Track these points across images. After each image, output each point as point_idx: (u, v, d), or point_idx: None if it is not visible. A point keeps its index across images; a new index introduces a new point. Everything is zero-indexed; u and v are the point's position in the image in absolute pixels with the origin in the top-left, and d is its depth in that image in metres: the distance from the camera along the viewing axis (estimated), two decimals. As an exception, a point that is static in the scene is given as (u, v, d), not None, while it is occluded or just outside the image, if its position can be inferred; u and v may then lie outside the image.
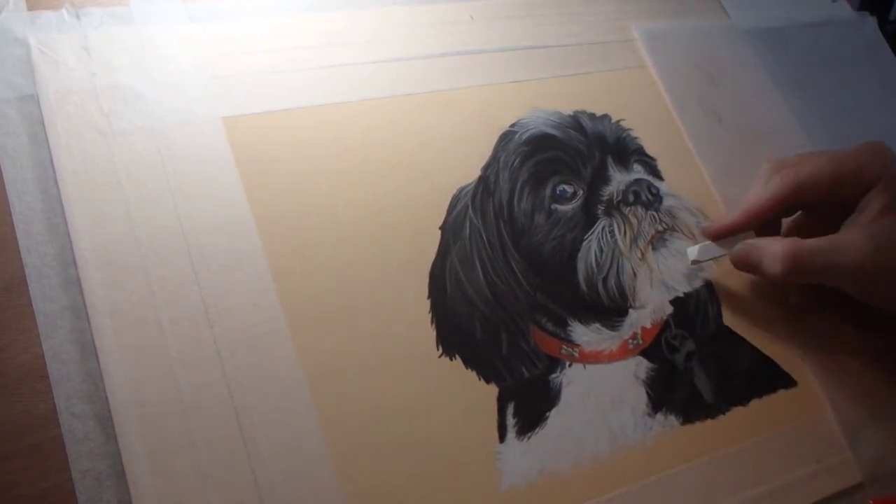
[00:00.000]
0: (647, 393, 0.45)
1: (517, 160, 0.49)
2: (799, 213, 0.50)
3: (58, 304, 0.37)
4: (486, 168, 0.48)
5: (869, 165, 0.46)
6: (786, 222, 0.51)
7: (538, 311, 0.45)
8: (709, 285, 0.49)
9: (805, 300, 0.50)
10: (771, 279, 0.46)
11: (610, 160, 0.51)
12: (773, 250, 0.45)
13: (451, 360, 0.42)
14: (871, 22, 0.67)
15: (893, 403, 0.48)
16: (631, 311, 0.47)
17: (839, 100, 0.61)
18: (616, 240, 0.48)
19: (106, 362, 0.37)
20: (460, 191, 0.47)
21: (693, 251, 0.48)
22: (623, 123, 0.53)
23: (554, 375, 0.44)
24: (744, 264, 0.47)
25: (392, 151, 0.47)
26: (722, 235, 0.48)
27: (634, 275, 0.48)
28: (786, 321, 0.50)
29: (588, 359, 0.45)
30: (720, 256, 0.48)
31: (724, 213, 0.51)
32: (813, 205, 0.48)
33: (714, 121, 0.56)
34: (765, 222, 0.48)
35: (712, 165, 0.54)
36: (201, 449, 0.36)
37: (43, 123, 0.41)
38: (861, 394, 0.48)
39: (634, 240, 0.48)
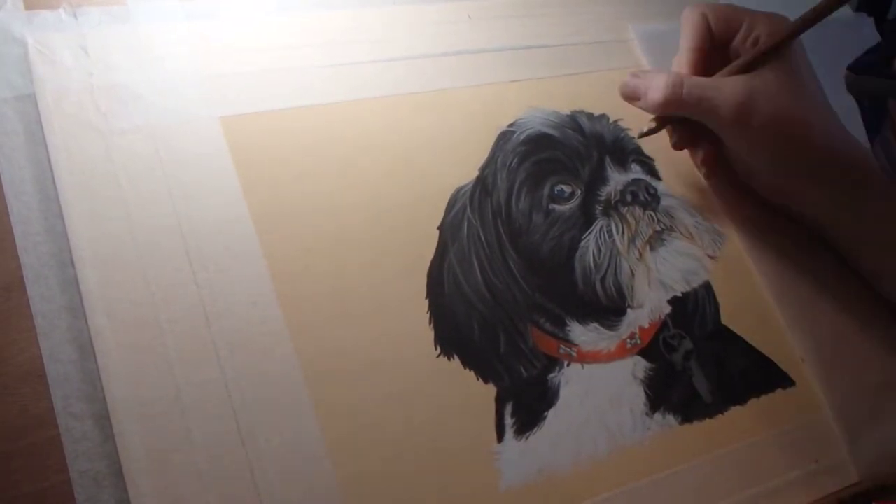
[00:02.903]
0: (646, 393, 0.45)
1: (515, 160, 0.49)
2: None
3: (56, 304, 0.37)
4: (483, 168, 0.48)
5: (764, 20, 0.49)
6: None
7: (536, 310, 0.45)
8: (707, 285, 0.49)
9: (683, 138, 0.52)
10: (652, 108, 0.49)
11: (608, 160, 0.51)
12: (657, 79, 0.48)
13: (449, 359, 0.42)
14: (869, 23, 0.67)
15: (893, 404, 0.48)
16: (629, 310, 0.47)
17: (838, 100, 0.61)
18: (614, 240, 0.48)
19: (104, 362, 0.36)
20: (458, 191, 0.47)
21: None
22: (621, 123, 0.53)
23: (552, 375, 0.44)
24: (630, 94, 0.50)
25: (390, 151, 0.47)
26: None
27: (632, 274, 0.48)
28: (785, 320, 0.49)
29: (586, 358, 0.45)
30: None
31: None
32: (723, 42, 0.50)
33: None
34: (700, 56, 0.50)
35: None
36: (200, 448, 0.36)
37: (40, 123, 0.41)
38: (860, 394, 0.48)
39: (632, 240, 0.48)
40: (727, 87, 0.47)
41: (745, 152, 0.49)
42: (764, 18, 0.49)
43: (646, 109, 0.50)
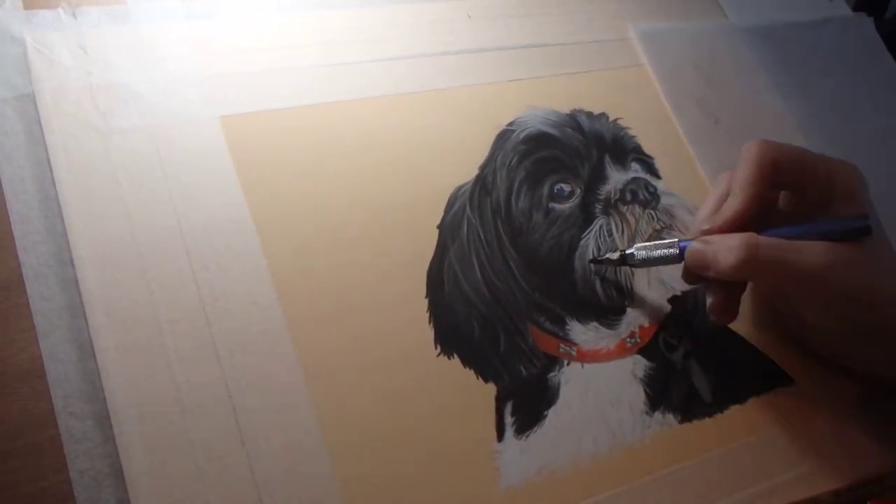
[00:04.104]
0: (646, 391, 0.45)
1: (515, 159, 0.49)
2: None
3: (55, 303, 0.37)
4: (483, 167, 0.48)
5: (841, 174, 0.45)
6: None
7: (536, 309, 0.45)
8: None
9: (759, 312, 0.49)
10: (724, 274, 0.43)
11: (607, 159, 0.51)
12: (728, 242, 0.43)
13: (449, 358, 0.42)
14: (868, 22, 0.67)
15: (892, 403, 0.48)
16: (629, 309, 0.47)
17: (838, 100, 0.61)
18: (614, 238, 0.48)
19: (104, 362, 0.36)
20: (458, 190, 0.47)
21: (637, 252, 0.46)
22: (620, 122, 0.53)
23: (552, 374, 0.44)
24: (699, 264, 0.44)
25: (389, 150, 0.47)
26: (728, 230, 0.44)
27: (632, 273, 0.48)
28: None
29: (586, 357, 0.45)
30: (660, 257, 0.45)
31: (712, 205, 0.46)
32: (788, 185, 0.47)
33: (712, 122, 0.56)
34: (760, 201, 0.45)
35: (710, 167, 0.54)
36: (200, 448, 0.36)
37: (39, 122, 0.41)
38: (858, 393, 0.48)
39: (632, 238, 0.48)
40: (807, 253, 0.42)
41: (812, 316, 0.45)
42: (838, 168, 0.45)
43: (719, 276, 0.43)
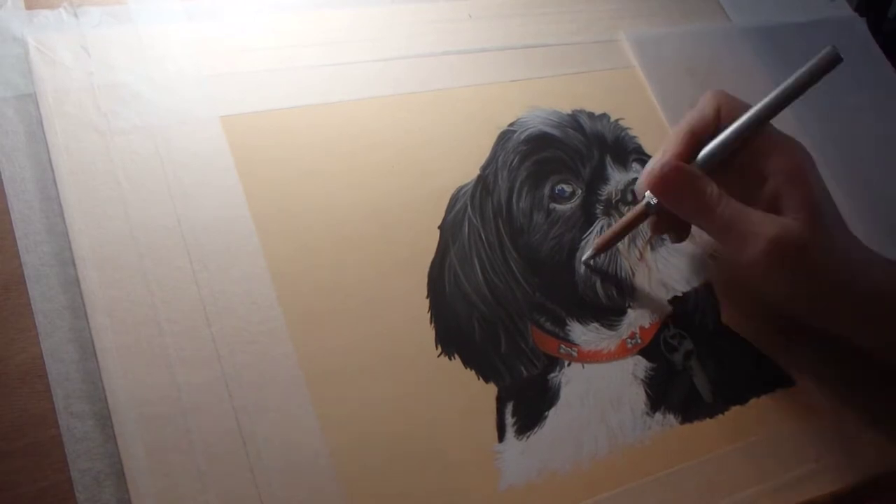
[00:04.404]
0: (646, 392, 0.45)
1: (516, 159, 0.49)
2: None
3: (57, 303, 0.37)
4: (484, 167, 0.48)
5: (782, 148, 0.44)
6: None
7: (537, 310, 0.45)
8: (707, 285, 0.49)
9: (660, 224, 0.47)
10: (640, 187, 0.45)
11: (608, 159, 0.51)
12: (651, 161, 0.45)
13: (449, 359, 0.42)
14: (861, 23, 0.67)
15: (891, 403, 0.48)
16: (629, 310, 0.47)
17: (839, 100, 0.61)
18: (615, 239, 0.48)
19: (105, 361, 0.37)
20: (459, 190, 0.47)
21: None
22: (622, 122, 0.53)
23: (553, 375, 0.44)
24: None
25: (390, 150, 0.47)
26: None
27: (633, 274, 0.48)
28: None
29: (587, 358, 0.45)
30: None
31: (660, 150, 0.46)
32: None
33: None
34: (696, 140, 0.45)
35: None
36: (200, 448, 0.36)
37: (41, 122, 0.41)
38: (859, 393, 0.48)
39: (633, 239, 0.48)
40: (761, 225, 0.42)
41: (763, 287, 0.45)
42: (781, 146, 0.45)
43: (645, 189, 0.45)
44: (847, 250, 0.44)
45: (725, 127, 0.44)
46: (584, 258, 0.47)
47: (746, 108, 0.44)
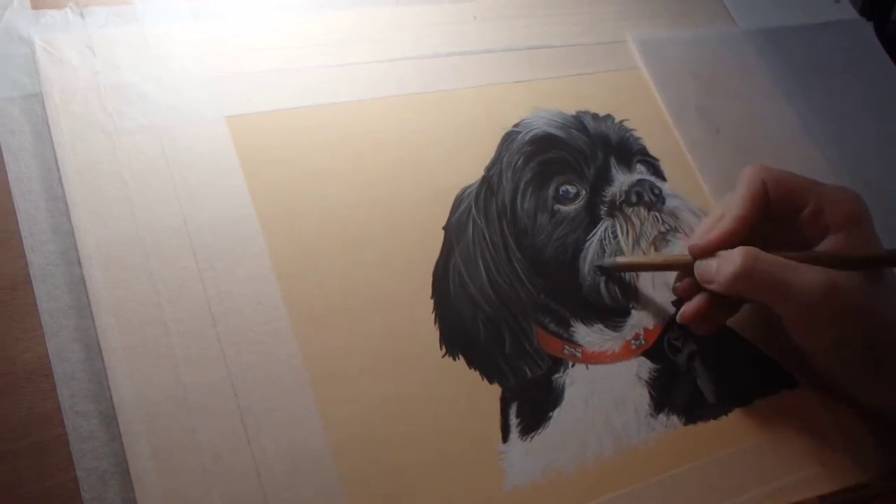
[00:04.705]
0: (650, 393, 0.45)
1: (520, 160, 0.49)
2: None
3: (62, 302, 0.37)
4: (489, 168, 0.48)
5: (837, 201, 0.44)
6: None
7: (541, 311, 0.45)
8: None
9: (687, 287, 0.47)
10: (722, 284, 0.43)
11: (613, 160, 0.51)
12: (730, 253, 0.43)
13: (454, 359, 0.42)
14: (866, 26, 0.67)
15: (892, 404, 0.48)
16: (633, 311, 0.47)
17: (842, 102, 0.61)
18: (619, 240, 0.48)
19: (110, 361, 0.37)
20: (463, 191, 0.47)
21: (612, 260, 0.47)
22: (626, 124, 0.53)
23: (557, 375, 0.44)
24: (704, 274, 0.44)
25: (395, 151, 0.47)
26: (715, 249, 0.44)
27: (637, 276, 0.48)
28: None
29: (591, 359, 0.45)
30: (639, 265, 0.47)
31: (707, 225, 0.46)
32: (782, 216, 0.45)
33: (713, 131, 0.56)
34: (751, 224, 0.45)
35: (710, 176, 0.53)
36: (205, 447, 0.36)
37: (47, 122, 0.41)
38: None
39: (637, 240, 0.48)
40: (807, 274, 0.42)
41: (808, 342, 0.44)
42: (833, 196, 0.44)
43: (717, 288, 0.43)
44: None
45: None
46: (598, 263, 0.47)
47: (796, 177, 0.45)
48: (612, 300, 0.47)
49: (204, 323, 0.39)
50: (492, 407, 0.42)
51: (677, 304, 0.48)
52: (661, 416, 0.44)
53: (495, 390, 0.42)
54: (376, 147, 0.46)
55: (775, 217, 0.45)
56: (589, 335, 0.46)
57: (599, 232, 0.48)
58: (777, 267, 0.42)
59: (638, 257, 0.48)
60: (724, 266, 0.43)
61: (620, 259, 0.47)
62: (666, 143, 0.53)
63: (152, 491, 0.35)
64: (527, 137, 0.50)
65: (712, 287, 0.44)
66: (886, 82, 0.65)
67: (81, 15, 0.44)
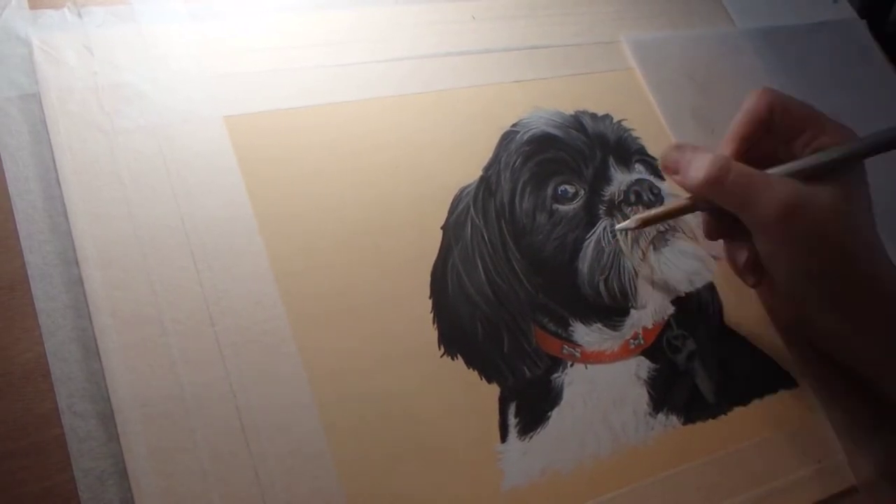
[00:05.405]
0: (649, 393, 0.45)
1: (519, 160, 0.49)
2: None
3: (60, 302, 0.37)
4: (487, 168, 0.48)
5: (839, 132, 0.44)
6: None
7: (540, 310, 0.45)
8: (710, 286, 0.49)
9: (715, 230, 0.47)
10: (691, 187, 0.45)
11: (611, 160, 0.51)
12: (702, 157, 0.44)
13: (452, 359, 0.42)
14: (863, 26, 0.67)
15: (892, 405, 0.48)
16: (632, 311, 0.47)
17: (840, 102, 0.61)
18: (617, 240, 0.48)
19: (108, 361, 0.37)
20: (462, 191, 0.47)
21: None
22: (624, 123, 0.53)
23: (556, 375, 0.44)
24: (670, 166, 0.46)
25: (393, 151, 0.47)
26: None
27: (636, 275, 0.48)
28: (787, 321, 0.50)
29: (590, 359, 0.45)
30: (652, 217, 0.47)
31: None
32: (783, 138, 0.45)
33: (707, 132, 0.56)
34: (748, 143, 0.45)
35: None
36: (203, 448, 0.36)
37: (45, 122, 0.41)
38: (861, 395, 0.48)
39: (636, 240, 0.48)
40: (778, 186, 0.42)
41: (774, 264, 0.44)
42: (833, 127, 0.44)
43: (683, 186, 0.46)
44: (874, 245, 0.43)
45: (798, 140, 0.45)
46: (619, 226, 0.48)
47: (803, 106, 0.45)
48: (611, 300, 0.47)
49: (202, 322, 0.39)
50: (490, 407, 0.42)
51: (676, 303, 0.48)
52: (660, 416, 0.44)
53: (494, 390, 0.42)
54: (374, 147, 0.46)
55: (778, 139, 0.45)
56: (588, 335, 0.46)
57: (598, 231, 0.48)
58: (748, 177, 0.42)
59: (655, 209, 0.48)
60: (695, 170, 0.44)
61: (640, 215, 0.47)
62: (662, 144, 0.53)
63: (150, 491, 0.35)
64: (525, 137, 0.50)
65: (678, 181, 0.46)
66: (884, 82, 0.65)
67: (79, 15, 0.44)
